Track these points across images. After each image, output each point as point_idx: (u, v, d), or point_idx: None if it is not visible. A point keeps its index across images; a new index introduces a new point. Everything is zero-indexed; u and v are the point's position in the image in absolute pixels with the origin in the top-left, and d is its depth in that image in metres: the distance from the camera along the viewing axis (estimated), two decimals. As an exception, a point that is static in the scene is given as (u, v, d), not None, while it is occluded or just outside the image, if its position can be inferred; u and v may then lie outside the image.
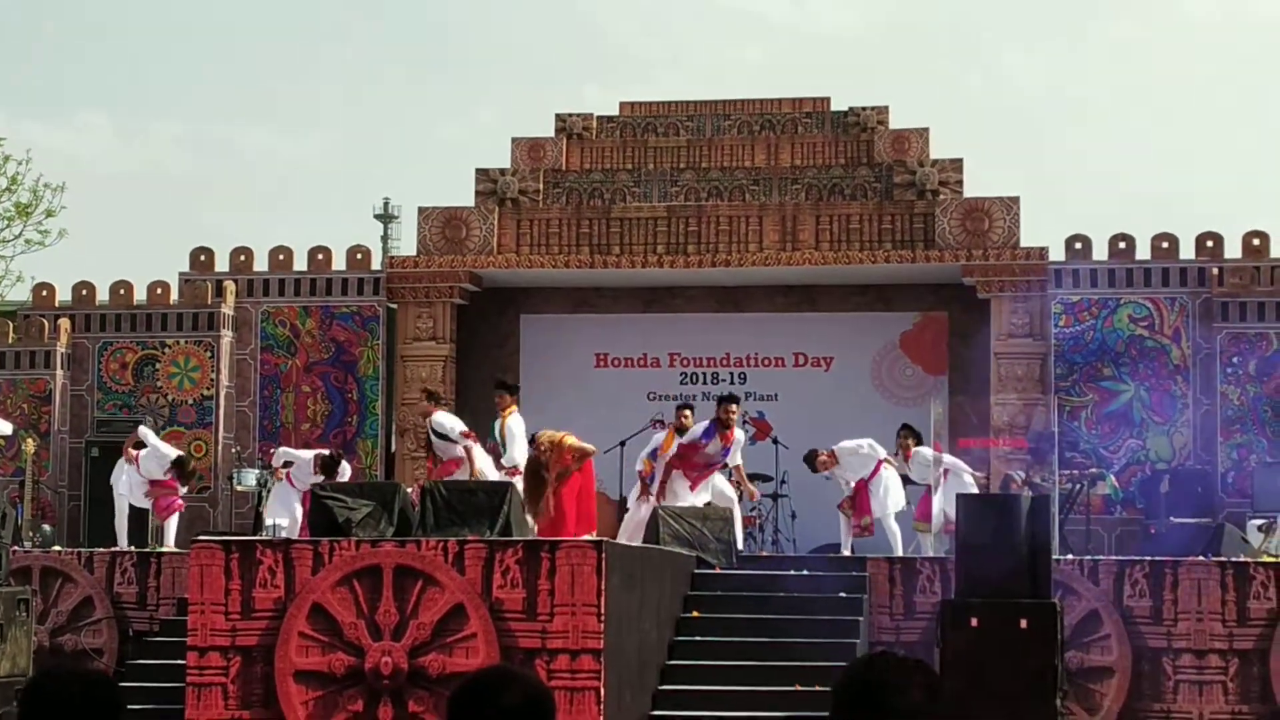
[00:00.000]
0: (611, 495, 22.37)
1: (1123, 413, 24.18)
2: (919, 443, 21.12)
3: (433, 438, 19.87)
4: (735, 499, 19.98)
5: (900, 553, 20.18)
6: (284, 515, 20.73)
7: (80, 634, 19.37)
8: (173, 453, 21.77)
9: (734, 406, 19.81)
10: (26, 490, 22.59)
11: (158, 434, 22.92)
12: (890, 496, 20.56)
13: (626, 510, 20.19)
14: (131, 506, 21.69)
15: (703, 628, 17.40)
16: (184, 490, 21.80)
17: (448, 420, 19.93)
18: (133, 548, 20.47)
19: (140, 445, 21.75)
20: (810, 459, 20.78)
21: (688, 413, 20.43)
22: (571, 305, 26.29)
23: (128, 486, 21.52)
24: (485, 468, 19.33)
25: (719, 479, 19.91)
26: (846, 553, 20.52)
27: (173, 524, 21.63)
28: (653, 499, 19.23)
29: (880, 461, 20.57)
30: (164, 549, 20.71)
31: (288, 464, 21.48)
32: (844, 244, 24.93)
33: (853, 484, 20.64)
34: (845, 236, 25.00)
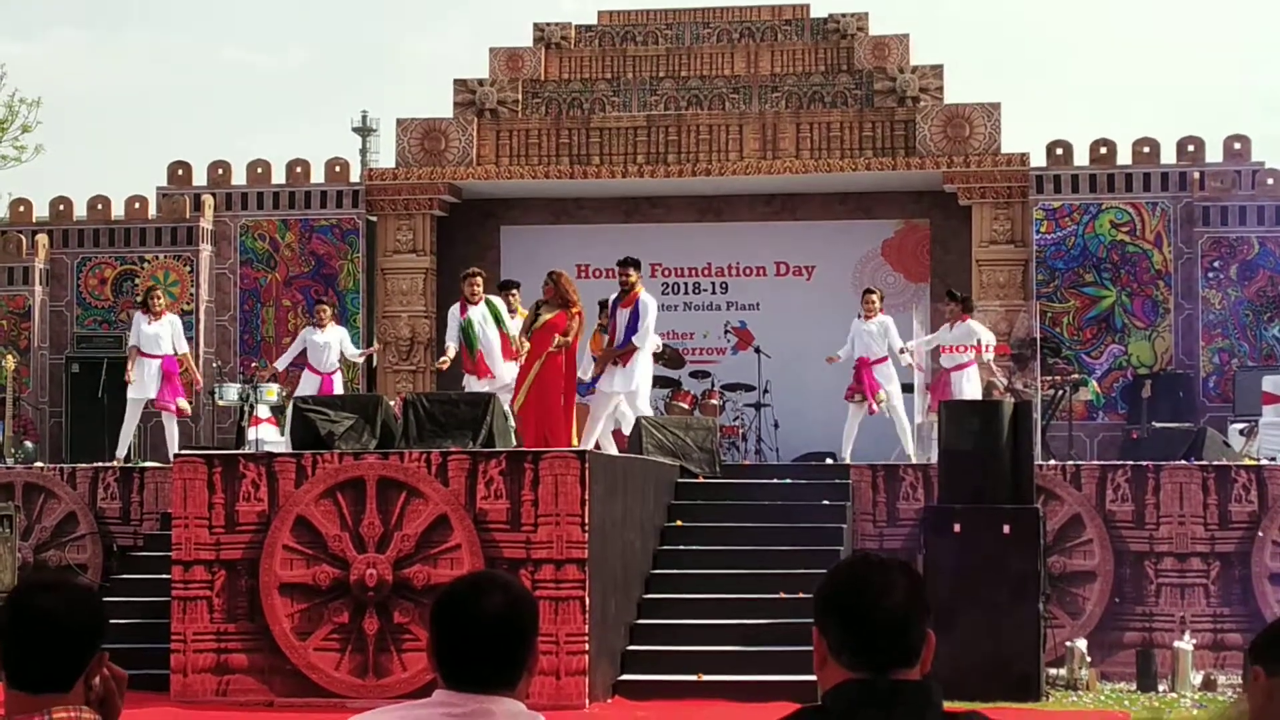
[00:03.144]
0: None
1: (1105, 318, 24.19)
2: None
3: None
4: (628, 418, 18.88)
5: (911, 447, 20.27)
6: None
7: (64, 549, 19.39)
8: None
9: (630, 270, 18.54)
10: (8, 407, 22.55)
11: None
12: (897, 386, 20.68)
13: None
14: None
15: (687, 537, 17.47)
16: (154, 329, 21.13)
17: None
18: (116, 463, 20.43)
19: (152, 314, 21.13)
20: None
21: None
22: (552, 216, 26.20)
23: (140, 388, 20.88)
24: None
25: (639, 398, 18.79)
26: (847, 453, 20.45)
27: (175, 429, 21.33)
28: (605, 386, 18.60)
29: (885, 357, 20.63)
30: (169, 457, 20.52)
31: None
32: (824, 152, 24.84)
33: (856, 358, 20.62)
34: (826, 145, 24.91)
